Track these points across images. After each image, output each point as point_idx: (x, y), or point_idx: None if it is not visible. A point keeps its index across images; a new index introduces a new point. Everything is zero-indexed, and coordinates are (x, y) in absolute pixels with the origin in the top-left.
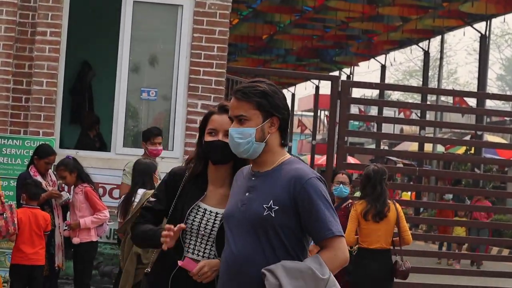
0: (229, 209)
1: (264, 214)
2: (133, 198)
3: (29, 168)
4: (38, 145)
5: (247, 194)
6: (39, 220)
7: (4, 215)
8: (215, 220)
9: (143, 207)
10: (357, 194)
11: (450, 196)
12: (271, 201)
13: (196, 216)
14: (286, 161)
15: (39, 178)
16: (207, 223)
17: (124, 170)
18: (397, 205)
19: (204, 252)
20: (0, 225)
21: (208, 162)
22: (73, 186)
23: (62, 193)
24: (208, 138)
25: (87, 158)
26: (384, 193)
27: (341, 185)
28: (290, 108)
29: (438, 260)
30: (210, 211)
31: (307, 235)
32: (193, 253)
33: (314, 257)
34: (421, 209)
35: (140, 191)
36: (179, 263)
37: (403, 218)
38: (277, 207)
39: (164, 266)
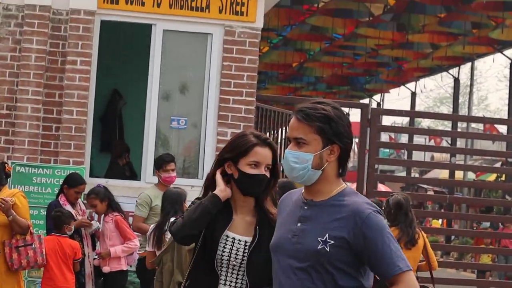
0: (279, 239)
1: (318, 247)
2: (165, 227)
3: (59, 197)
4: (68, 174)
5: (299, 224)
6: (65, 248)
7: (33, 246)
8: (244, 249)
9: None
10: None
11: (487, 224)
12: (327, 235)
13: (226, 245)
14: (343, 192)
15: (68, 207)
16: (237, 253)
17: (136, 201)
18: (423, 232)
19: (236, 283)
20: (29, 255)
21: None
22: (103, 215)
23: (92, 222)
24: (249, 170)
25: (117, 187)
26: (414, 220)
27: None
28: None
29: None
30: (239, 240)
31: (363, 271)
32: (225, 284)
33: None
34: (452, 237)
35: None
36: None
37: (429, 245)
38: (332, 242)
39: None
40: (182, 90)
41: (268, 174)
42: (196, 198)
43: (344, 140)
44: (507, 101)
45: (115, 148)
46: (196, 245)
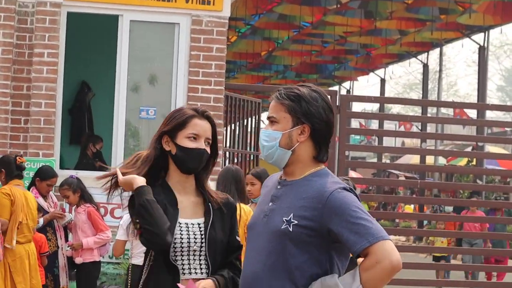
0: (253, 219)
1: (282, 227)
2: None
3: (30, 190)
4: (39, 166)
5: (270, 204)
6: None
7: None
8: (200, 231)
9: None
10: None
11: (451, 208)
12: (291, 214)
13: (182, 232)
14: (315, 173)
15: (40, 199)
16: (195, 236)
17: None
18: None
19: (201, 269)
20: None
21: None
22: (75, 206)
23: (65, 214)
24: (187, 143)
25: (88, 178)
26: None
27: None
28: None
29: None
30: (192, 223)
31: (328, 256)
32: (190, 273)
33: (354, 270)
34: (425, 222)
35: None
36: (181, 287)
37: None
38: (296, 222)
39: None
40: (150, 80)
41: (208, 149)
42: (131, 197)
43: (314, 120)
44: (476, 86)
45: (85, 140)
46: None
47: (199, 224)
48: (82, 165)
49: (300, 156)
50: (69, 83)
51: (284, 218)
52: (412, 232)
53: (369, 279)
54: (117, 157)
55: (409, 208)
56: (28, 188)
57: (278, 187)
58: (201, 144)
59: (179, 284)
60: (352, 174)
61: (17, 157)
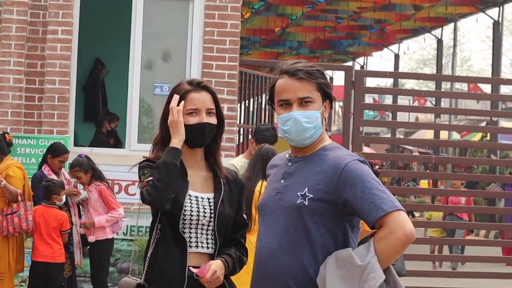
0: (264, 199)
1: (298, 202)
2: None
3: (43, 167)
4: (51, 143)
5: (282, 181)
6: (51, 219)
7: (18, 213)
8: (209, 206)
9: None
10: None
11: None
12: (306, 189)
13: (192, 204)
14: (326, 147)
15: (53, 177)
16: (205, 210)
17: None
18: None
19: (207, 243)
20: (15, 222)
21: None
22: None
23: (80, 191)
24: (189, 120)
25: (102, 155)
26: None
27: None
28: None
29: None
30: (202, 197)
31: (344, 230)
32: (196, 247)
33: (368, 242)
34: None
35: None
36: (194, 270)
37: None
38: (311, 195)
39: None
40: (164, 57)
41: (212, 120)
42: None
43: (331, 94)
44: (490, 61)
45: (99, 117)
46: (156, 212)
47: (208, 198)
48: (97, 143)
49: (323, 132)
50: (83, 60)
51: (299, 193)
52: (427, 207)
53: (383, 250)
54: (131, 134)
55: (424, 184)
56: (40, 166)
57: (289, 164)
58: (202, 118)
59: (191, 268)
60: (366, 150)
61: (6, 134)
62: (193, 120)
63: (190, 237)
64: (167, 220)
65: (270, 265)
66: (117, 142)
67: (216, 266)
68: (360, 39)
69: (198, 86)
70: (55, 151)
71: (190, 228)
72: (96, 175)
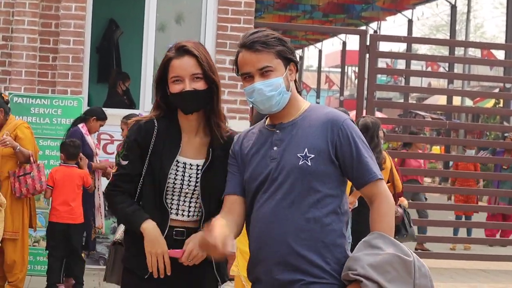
0: (256, 169)
1: (300, 163)
2: None
3: (81, 126)
4: (92, 107)
5: (275, 148)
6: (74, 178)
7: (31, 174)
8: (197, 174)
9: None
10: (385, 146)
11: (472, 151)
12: (306, 150)
13: (177, 172)
14: (311, 107)
15: (90, 138)
16: (190, 179)
17: None
18: (389, 156)
19: (189, 211)
20: (28, 183)
21: (177, 110)
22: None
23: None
24: (174, 88)
25: (116, 116)
26: (379, 144)
27: None
28: (317, 64)
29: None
30: (190, 164)
31: (343, 188)
32: (177, 214)
33: (379, 237)
34: (451, 163)
35: None
36: (171, 254)
37: (395, 169)
38: (312, 155)
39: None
40: (178, 19)
41: (198, 86)
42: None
43: (295, 56)
44: (503, 28)
45: (113, 77)
46: (139, 179)
47: (197, 165)
48: (111, 103)
49: (294, 94)
50: (97, 21)
51: (298, 155)
52: (439, 173)
53: (390, 222)
54: (145, 96)
55: (436, 149)
56: (74, 124)
57: (277, 131)
58: (185, 85)
59: (169, 251)
60: (378, 114)
61: (1, 94)
62: (177, 88)
63: (172, 204)
64: (151, 187)
65: (276, 228)
66: (131, 102)
67: (194, 243)
68: (374, 3)
69: (179, 51)
70: (101, 115)
71: (173, 195)
72: None
